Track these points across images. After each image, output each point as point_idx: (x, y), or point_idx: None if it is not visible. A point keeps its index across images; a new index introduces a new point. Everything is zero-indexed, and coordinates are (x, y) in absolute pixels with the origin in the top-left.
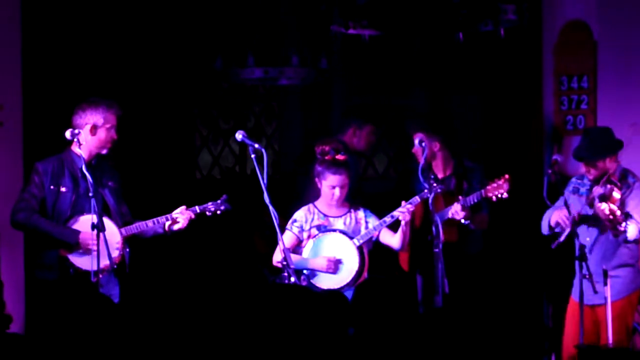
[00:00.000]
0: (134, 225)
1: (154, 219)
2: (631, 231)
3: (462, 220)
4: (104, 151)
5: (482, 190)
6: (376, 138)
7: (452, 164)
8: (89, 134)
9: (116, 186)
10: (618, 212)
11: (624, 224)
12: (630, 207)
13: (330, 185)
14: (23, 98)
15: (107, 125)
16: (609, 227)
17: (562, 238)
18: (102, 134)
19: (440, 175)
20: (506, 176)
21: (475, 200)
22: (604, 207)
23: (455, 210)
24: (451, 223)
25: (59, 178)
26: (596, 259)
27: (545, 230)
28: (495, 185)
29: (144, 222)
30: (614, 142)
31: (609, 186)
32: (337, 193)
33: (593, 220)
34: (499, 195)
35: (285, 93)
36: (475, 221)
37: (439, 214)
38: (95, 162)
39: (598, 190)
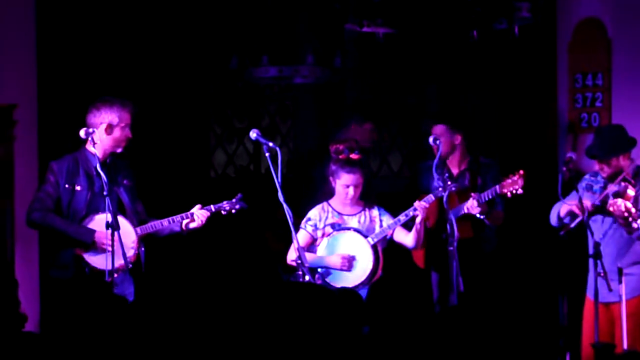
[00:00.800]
0: (149, 224)
1: (170, 218)
2: None
3: (478, 215)
4: (119, 150)
5: (497, 186)
6: (377, 135)
7: (467, 159)
8: (104, 133)
9: (131, 185)
10: (633, 210)
11: (638, 221)
12: None
13: (345, 184)
14: (38, 97)
15: (122, 124)
16: (623, 224)
17: (572, 225)
18: (117, 132)
19: (454, 171)
20: (521, 172)
21: (490, 196)
22: (620, 203)
23: (471, 205)
24: (466, 219)
25: (74, 177)
26: (610, 257)
27: (554, 221)
28: (510, 181)
29: (159, 221)
30: (627, 139)
31: (623, 184)
32: (351, 192)
33: (606, 212)
34: (514, 192)
35: (299, 92)
36: (491, 217)
37: (453, 211)
38: (110, 160)
39: (612, 188)
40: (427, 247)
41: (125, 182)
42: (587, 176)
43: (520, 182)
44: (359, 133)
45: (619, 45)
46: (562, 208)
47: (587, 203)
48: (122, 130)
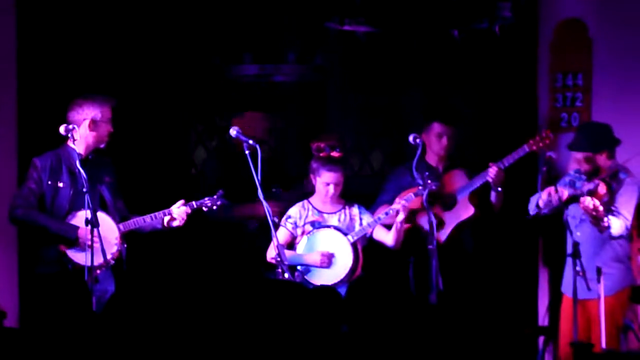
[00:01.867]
0: (131, 220)
1: (152, 215)
2: (615, 226)
3: (498, 188)
4: (102, 145)
5: (525, 145)
6: (268, 121)
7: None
8: (87, 129)
9: (113, 181)
10: (601, 208)
11: (606, 219)
12: (619, 203)
13: (325, 182)
14: (18, 93)
15: (105, 119)
16: (593, 222)
17: (545, 210)
18: (100, 128)
19: (437, 167)
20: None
21: (516, 158)
22: (588, 202)
23: (494, 173)
24: (473, 196)
25: (57, 174)
26: (587, 255)
27: (532, 211)
28: (537, 138)
29: (141, 218)
30: (611, 139)
31: (596, 181)
32: (332, 190)
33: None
34: (544, 146)
35: (281, 90)
36: (499, 194)
37: (465, 186)
38: (92, 157)
39: (586, 185)
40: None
41: (106, 179)
42: (571, 172)
43: (551, 135)
44: (241, 125)
45: (599, 45)
46: (540, 198)
47: (564, 192)
48: (105, 125)
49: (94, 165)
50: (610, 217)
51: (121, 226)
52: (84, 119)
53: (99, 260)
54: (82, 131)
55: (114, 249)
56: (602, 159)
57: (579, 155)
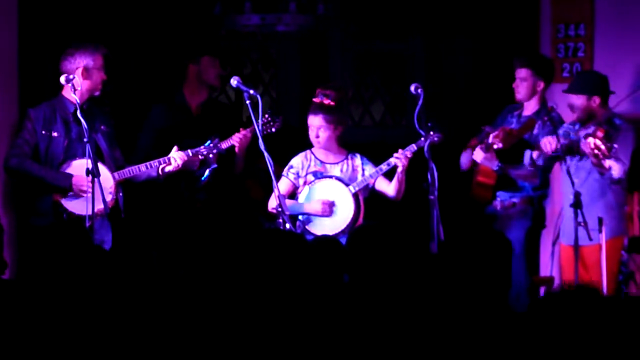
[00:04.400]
0: (126, 169)
1: (147, 163)
2: (616, 169)
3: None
4: (97, 93)
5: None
6: (222, 68)
7: (538, 108)
8: (81, 77)
9: (109, 130)
10: (603, 147)
11: (609, 161)
12: (617, 147)
13: (310, 124)
14: (19, 44)
15: (97, 66)
16: (596, 164)
17: (539, 161)
18: (93, 75)
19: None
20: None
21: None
22: (590, 141)
23: (477, 151)
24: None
25: (51, 123)
26: (584, 203)
27: (526, 163)
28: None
29: (137, 166)
30: (605, 88)
31: (592, 126)
32: (313, 133)
33: (576, 153)
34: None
35: (282, 40)
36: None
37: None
38: (87, 106)
39: (583, 130)
40: None
41: (102, 127)
42: (565, 124)
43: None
44: (197, 73)
45: None
46: (534, 152)
47: (553, 143)
48: (98, 72)
49: (89, 114)
50: (610, 160)
51: (116, 175)
52: (77, 68)
53: (98, 206)
54: (76, 80)
55: (109, 197)
56: (594, 104)
57: (573, 98)
